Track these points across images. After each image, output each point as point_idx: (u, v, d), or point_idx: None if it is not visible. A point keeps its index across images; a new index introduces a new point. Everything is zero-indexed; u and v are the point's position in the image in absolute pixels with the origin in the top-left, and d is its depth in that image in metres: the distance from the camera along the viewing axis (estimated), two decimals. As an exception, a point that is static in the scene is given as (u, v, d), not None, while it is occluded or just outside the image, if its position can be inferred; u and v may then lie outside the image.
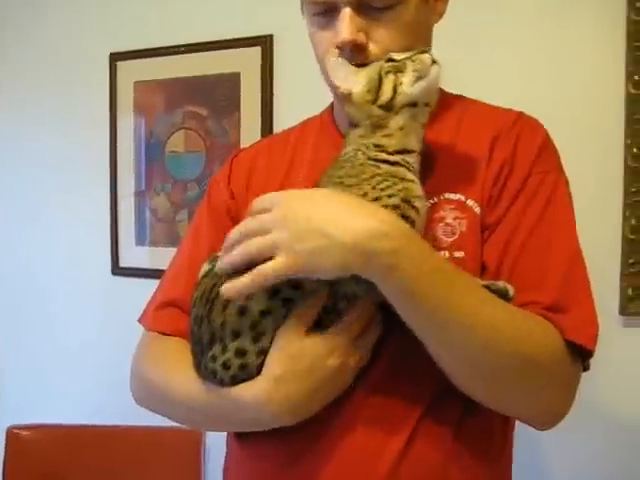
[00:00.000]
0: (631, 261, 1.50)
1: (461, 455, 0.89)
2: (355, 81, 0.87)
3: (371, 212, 0.78)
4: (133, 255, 2.15)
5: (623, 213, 1.51)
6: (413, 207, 0.83)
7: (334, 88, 0.90)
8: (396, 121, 0.87)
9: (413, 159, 0.87)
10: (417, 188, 0.85)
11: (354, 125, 0.89)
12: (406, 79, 0.85)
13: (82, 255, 2.24)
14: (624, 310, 1.52)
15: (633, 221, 1.49)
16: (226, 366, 0.84)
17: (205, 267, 0.93)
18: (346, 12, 0.89)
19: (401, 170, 0.85)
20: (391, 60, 0.87)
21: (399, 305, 0.81)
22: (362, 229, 0.76)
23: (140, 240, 2.14)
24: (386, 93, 0.85)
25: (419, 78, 0.86)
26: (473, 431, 0.90)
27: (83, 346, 2.22)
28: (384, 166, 0.85)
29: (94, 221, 2.21)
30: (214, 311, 0.85)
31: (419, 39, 0.94)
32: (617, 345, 1.53)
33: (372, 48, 0.90)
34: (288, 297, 0.83)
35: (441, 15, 1.00)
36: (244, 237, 0.81)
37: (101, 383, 2.15)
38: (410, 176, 0.85)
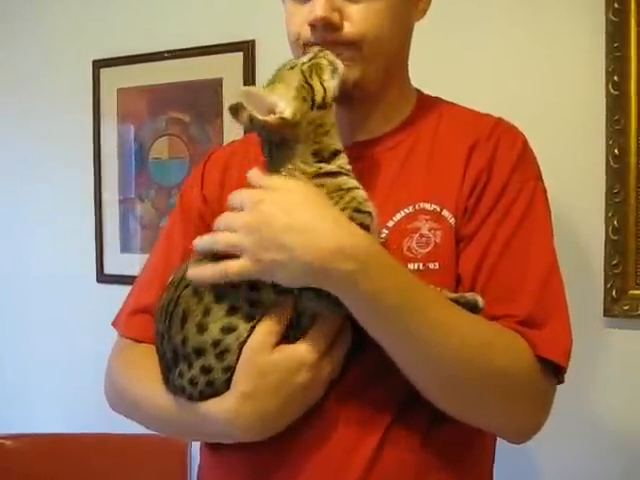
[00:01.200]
0: (614, 262, 1.50)
1: (432, 464, 0.88)
2: (277, 103, 0.81)
3: (339, 229, 0.77)
4: (118, 262, 2.14)
5: (605, 214, 1.50)
6: (365, 212, 0.82)
7: (261, 125, 0.83)
8: (329, 117, 0.85)
9: (345, 160, 0.86)
10: (362, 192, 0.84)
11: (281, 146, 0.84)
12: (326, 75, 0.85)
13: (67, 262, 2.23)
14: (608, 311, 1.51)
15: (615, 222, 1.49)
16: (193, 383, 0.83)
17: (170, 278, 0.91)
18: None
19: (343, 179, 0.83)
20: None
21: (362, 321, 0.80)
22: (326, 248, 0.75)
23: (125, 247, 2.13)
24: (319, 92, 0.84)
25: (334, 72, 0.85)
26: (445, 440, 0.89)
27: (68, 353, 2.21)
28: (328, 180, 0.83)
29: (79, 228, 2.19)
30: (173, 327, 0.84)
31: (395, 31, 0.93)
32: (601, 346, 1.53)
33: (347, 28, 0.89)
34: (249, 314, 0.82)
35: (423, 13, 1.00)
36: (216, 228, 0.82)
37: (86, 391, 2.12)
38: (352, 183, 0.84)
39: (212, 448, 0.96)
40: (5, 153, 2.34)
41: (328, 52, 0.87)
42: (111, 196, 2.15)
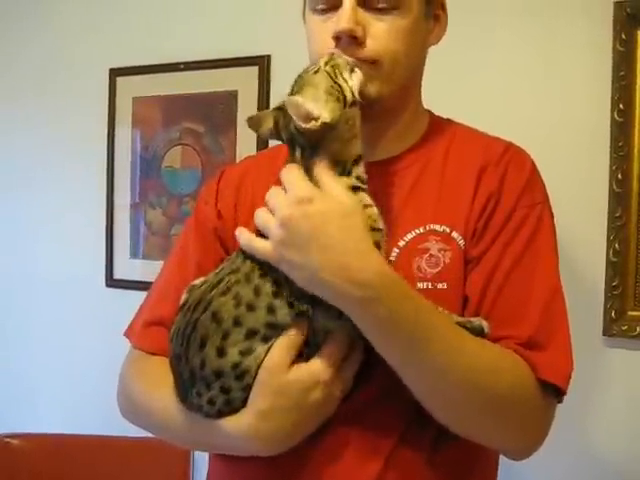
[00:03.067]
0: (614, 283, 1.53)
1: (442, 475, 0.90)
2: (314, 108, 0.81)
3: (360, 256, 0.78)
4: (127, 267, 2.17)
5: (607, 237, 1.54)
6: (378, 230, 0.84)
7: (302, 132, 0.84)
8: (358, 116, 0.86)
9: (362, 168, 0.86)
10: (375, 209, 0.85)
11: (315, 152, 0.84)
12: (346, 74, 0.86)
13: (77, 266, 2.25)
14: (607, 331, 1.54)
15: (617, 245, 1.53)
16: (212, 402, 0.85)
17: (183, 297, 0.92)
18: (349, 2, 0.89)
19: (362, 195, 0.85)
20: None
21: (374, 343, 0.82)
22: (344, 272, 0.77)
23: (135, 253, 2.16)
24: (347, 90, 0.85)
25: (351, 71, 0.87)
26: (450, 457, 0.91)
27: (76, 356, 2.23)
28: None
29: (89, 233, 2.22)
30: (190, 350, 0.85)
31: (413, 52, 0.95)
32: (600, 366, 1.56)
33: (369, 44, 0.91)
34: (266, 335, 0.83)
35: (437, 40, 1.02)
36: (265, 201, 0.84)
37: (93, 394, 2.15)
38: (368, 200, 0.85)
39: (223, 457, 0.97)
40: (19, 157, 2.36)
41: (340, 52, 0.88)
42: (122, 202, 2.18)
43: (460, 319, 0.88)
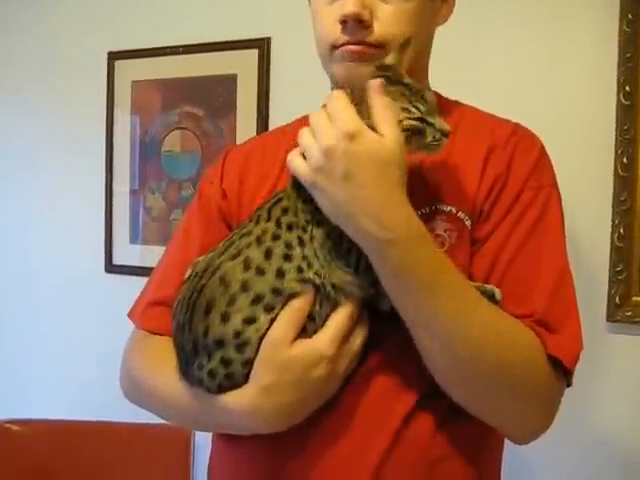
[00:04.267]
0: (619, 268, 1.52)
1: (446, 458, 0.89)
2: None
3: (391, 201, 0.79)
4: (127, 253, 2.16)
5: (612, 221, 1.53)
6: None
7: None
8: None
9: None
10: None
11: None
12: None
13: (76, 252, 2.24)
14: (611, 317, 1.54)
15: (621, 229, 1.51)
16: (212, 375, 0.84)
17: (188, 273, 0.91)
18: None
19: None
20: (382, 67, 0.86)
21: (389, 290, 0.82)
22: (368, 213, 0.78)
23: (134, 238, 2.15)
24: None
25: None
26: (458, 435, 0.90)
27: (76, 343, 2.23)
28: None
29: (88, 218, 2.21)
30: (195, 317, 0.84)
31: (420, 34, 0.95)
32: (604, 352, 1.55)
33: (376, 27, 0.90)
34: (270, 304, 0.83)
35: (445, 19, 1.01)
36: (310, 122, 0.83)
37: (93, 380, 2.15)
38: None
39: (226, 438, 0.97)
40: (18, 143, 2.35)
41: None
42: (121, 187, 2.16)
43: (473, 284, 0.87)
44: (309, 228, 0.84)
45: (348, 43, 0.91)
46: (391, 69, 0.86)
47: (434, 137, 0.84)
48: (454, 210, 0.92)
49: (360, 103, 0.81)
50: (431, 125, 0.84)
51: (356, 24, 0.89)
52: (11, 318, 2.37)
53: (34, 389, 2.31)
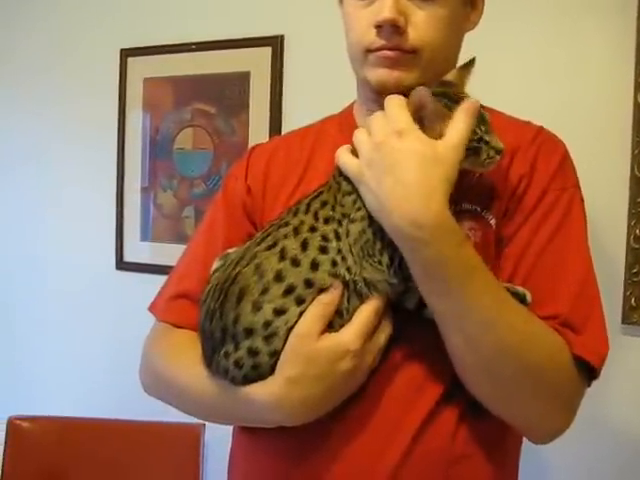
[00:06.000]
0: (634, 270, 1.51)
1: (465, 456, 0.90)
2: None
3: (427, 200, 0.79)
4: (138, 250, 2.15)
5: (628, 222, 1.51)
6: None
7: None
8: None
9: None
10: None
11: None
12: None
13: (87, 249, 2.24)
14: (627, 319, 1.52)
15: (638, 231, 1.50)
16: (238, 365, 0.84)
17: (216, 264, 0.93)
18: None
19: None
20: (444, 83, 0.89)
21: (421, 287, 0.83)
22: (405, 209, 0.79)
23: (145, 235, 2.15)
24: None
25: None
26: (478, 433, 0.90)
27: (87, 340, 2.23)
28: None
29: (100, 215, 2.21)
30: (227, 304, 0.85)
31: (451, 40, 0.97)
32: (619, 354, 1.53)
33: (411, 33, 0.91)
34: (301, 296, 0.84)
35: (474, 25, 1.03)
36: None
37: (104, 377, 2.16)
38: None
39: (248, 431, 0.97)
40: (29, 140, 2.35)
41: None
42: (133, 184, 2.16)
43: (504, 284, 0.87)
44: (344, 222, 0.86)
45: (384, 48, 0.92)
46: (452, 86, 0.89)
47: (488, 155, 0.86)
48: (479, 209, 0.92)
49: (417, 113, 0.83)
50: (487, 143, 0.86)
51: (392, 29, 0.91)
52: (22, 315, 2.38)
53: (44, 386, 2.31)
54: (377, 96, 0.96)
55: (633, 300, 1.51)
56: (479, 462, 0.90)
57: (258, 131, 1.90)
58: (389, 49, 0.92)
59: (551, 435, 0.92)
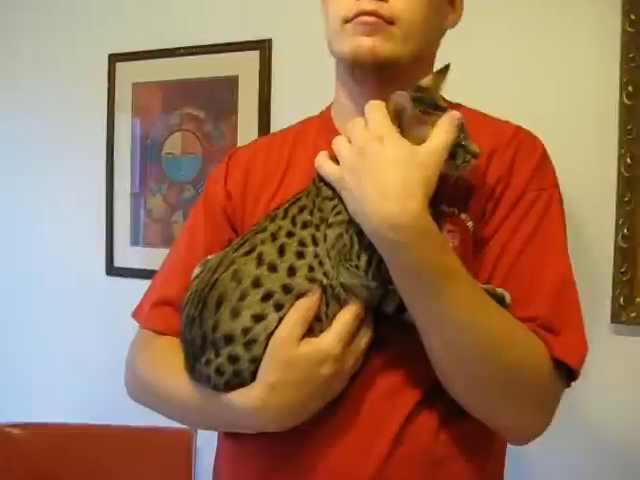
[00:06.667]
0: (623, 269, 1.51)
1: (449, 458, 0.90)
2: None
3: (402, 203, 0.79)
4: (128, 255, 2.15)
5: (616, 221, 1.52)
6: None
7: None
8: None
9: None
10: None
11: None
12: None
13: (77, 254, 2.24)
14: (615, 318, 1.53)
15: (625, 230, 1.51)
16: (220, 371, 0.84)
17: (196, 270, 0.93)
18: None
19: None
20: (419, 89, 0.89)
21: (401, 290, 0.83)
22: (382, 211, 0.79)
23: (135, 240, 2.15)
24: None
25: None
26: (461, 435, 0.90)
27: (77, 345, 2.22)
28: None
29: (89, 221, 2.21)
30: (206, 311, 0.85)
31: (431, 19, 0.96)
32: (608, 353, 1.54)
33: (392, 1, 0.91)
34: (280, 302, 0.84)
35: (453, 24, 1.03)
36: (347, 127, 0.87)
37: (94, 383, 2.15)
38: None
39: (230, 437, 0.97)
40: (18, 145, 2.34)
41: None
42: (122, 189, 2.16)
43: (484, 286, 0.87)
44: (322, 227, 0.86)
45: (362, 13, 0.91)
46: (427, 91, 0.89)
47: (464, 159, 0.86)
48: (456, 211, 0.92)
49: (397, 118, 0.84)
50: (463, 147, 0.86)
51: None
52: (12, 321, 2.36)
53: (35, 392, 2.30)
54: (352, 74, 0.97)
55: (622, 299, 1.52)
56: (464, 463, 0.90)
57: (247, 135, 1.90)
58: (367, 14, 0.91)
59: (529, 436, 0.92)
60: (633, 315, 1.51)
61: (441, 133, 0.83)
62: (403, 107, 0.83)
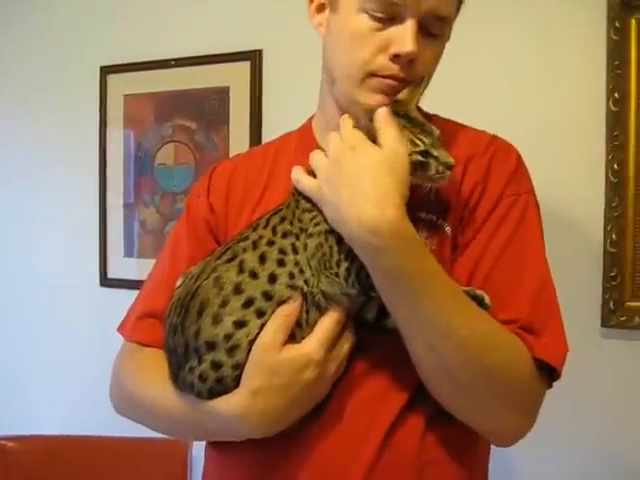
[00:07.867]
0: (612, 274, 1.53)
1: (434, 461, 0.91)
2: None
3: (378, 207, 0.80)
4: (121, 266, 2.16)
5: (604, 227, 1.54)
6: None
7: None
8: None
9: None
10: None
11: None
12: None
13: (70, 266, 2.24)
14: (605, 322, 1.54)
15: (614, 235, 1.52)
16: (203, 378, 0.85)
17: (179, 281, 0.93)
18: (414, 24, 0.90)
19: None
20: (394, 102, 0.91)
21: (382, 295, 0.84)
22: (361, 219, 0.80)
23: (128, 252, 2.15)
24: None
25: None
26: (446, 438, 0.91)
27: (71, 357, 2.22)
28: None
29: (83, 232, 2.21)
30: (188, 318, 0.86)
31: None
32: (598, 357, 1.55)
33: (419, 66, 0.93)
34: (261, 309, 0.85)
35: None
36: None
37: (88, 394, 2.14)
38: None
39: (217, 445, 0.98)
40: (11, 157, 2.35)
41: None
42: (115, 201, 2.17)
43: (463, 288, 0.88)
44: (302, 236, 0.87)
45: (394, 77, 0.92)
46: (401, 104, 0.90)
47: (437, 170, 0.87)
48: (434, 218, 0.94)
49: (367, 128, 0.86)
50: (435, 158, 0.86)
51: (409, 61, 0.92)
52: (5, 332, 2.36)
53: (28, 404, 2.29)
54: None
55: (612, 303, 1.53)
56: (450, 466, 0.91)
57: (238, 145, 1.91)
58: (397, 79, 0.92)
59: (513, 438, 0.93)
60: (623, 319, 1.53)
61: (385, 130, 0.85)
62: (358, 119, 0.87)
